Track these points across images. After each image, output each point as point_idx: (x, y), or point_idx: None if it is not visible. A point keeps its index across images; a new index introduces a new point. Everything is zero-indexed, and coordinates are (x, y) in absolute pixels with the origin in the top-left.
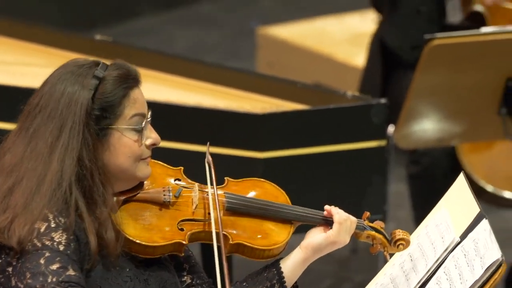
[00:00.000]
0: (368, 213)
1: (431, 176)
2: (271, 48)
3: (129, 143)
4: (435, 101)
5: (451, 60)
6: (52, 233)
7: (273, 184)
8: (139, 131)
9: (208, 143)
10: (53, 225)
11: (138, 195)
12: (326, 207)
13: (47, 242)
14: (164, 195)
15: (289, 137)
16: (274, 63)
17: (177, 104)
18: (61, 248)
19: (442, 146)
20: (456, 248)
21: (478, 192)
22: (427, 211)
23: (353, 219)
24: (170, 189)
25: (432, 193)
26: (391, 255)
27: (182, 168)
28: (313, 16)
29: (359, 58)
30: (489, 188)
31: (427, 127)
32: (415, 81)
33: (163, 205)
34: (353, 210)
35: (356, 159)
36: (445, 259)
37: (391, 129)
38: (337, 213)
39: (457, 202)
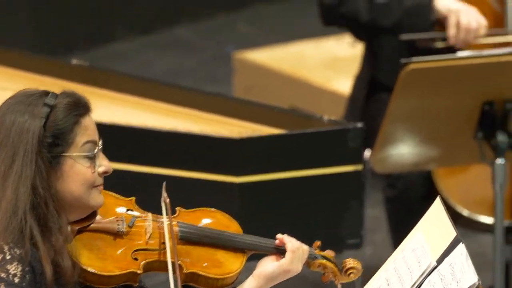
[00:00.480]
0: (319, 242)
1: (406, 199)
2: (248, 73)
3: (82, 171)
4: (411, 125)
5: (427, 85)
6: (7, 265)
7: (224, 214)
8: (92, 158)
9: (164, 183)
10: (8, 257)
11: (92, 225)
12: (279, 236)
13: (2, 275)
14: (118, 224)
15: (265, 161)
16: (250, 87)
17: (153, 128)
18: (16, 280)
19: (418, 170)
20: (433, 273)
21: (455, 216)
22: (403, 235)
23: (305, 247)
24: (124, 219)
25: (408, 217)
26: (346, 283)
27: (134, 198)
28: (289, 40)
29: (335, 82)
30: (465, 212)
31: (403, 151)
32: (391, 105)
33: (117, 234)
34: (330, 235)
35: (333, 183)
36: (422, 284)
37: (367, 153)
38: (290, 242)
39: (434, 226)
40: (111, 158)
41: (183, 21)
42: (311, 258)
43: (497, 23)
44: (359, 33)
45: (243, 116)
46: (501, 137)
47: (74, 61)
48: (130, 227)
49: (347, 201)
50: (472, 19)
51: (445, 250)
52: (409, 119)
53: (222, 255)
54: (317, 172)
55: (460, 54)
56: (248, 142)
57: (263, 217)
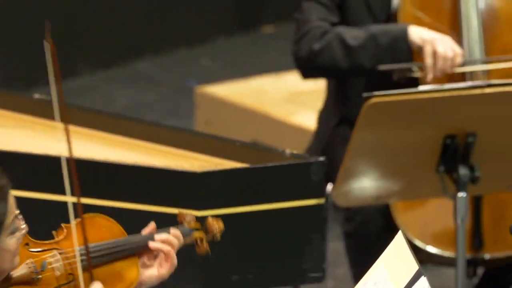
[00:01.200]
0: (184, 212)
1: (365, 234)
2: (209, 107)
3: (13, 248)
4: (373, 159)
5: (389, 118)
6: None
7: (103, 216)
8: (17, 230)
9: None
10: None
11: (12, 282)
12: (151, 244)
13: None
14: (31, 272)
15: (227, 195)
16: (212, 121)
17: (115, 162)
18: None
19: (378, 204)
20: None
21: (416, 250)
22: (363, 269)
23: (176, 236)
24: (35, 265)
25: (367, 250)
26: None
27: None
28: (251, 75)
29: (297, 116)
30: (425, 246)
31: (365, 185)
32: (354, 139)
33: (33, 282)
34: (292, 268)
35: (295, 217)
36: None
37: (329, 187)
38: (163, 246)
39: (396, 259)
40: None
41: (145, 55)
42: (186, 235)
43: None
44: (341, 79)
45: (205, 150)
46: (463, 171)
47: (36, 96)
48: (43, 271)
49: (309, 234)
50: (448, 47)
51: (407, 284)
52: (371, 152)
53: (120, 265)
54: (279, 206)
55: (422, 88)
56: (210, 176)
57: (224, 250)
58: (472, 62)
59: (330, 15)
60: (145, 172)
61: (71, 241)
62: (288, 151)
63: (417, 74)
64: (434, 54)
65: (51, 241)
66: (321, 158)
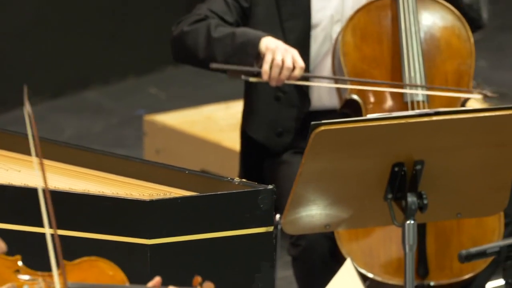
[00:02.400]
0: (199, 278)
1: (311, 258)
2: (158, 136)
3: None
4: (322, 186)
5: (337, 146)
6: None
7: (107, 261)
8: None
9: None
10: None
11: None
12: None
13: None
14: None
15: (177, 223)
16: (161, 150)
17: (64, 191)
18: None
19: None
20: None
21: (363, 277)
22: None
23: None
24: (15, 286)
25: (314, 275)
26: None
27: (19, 256)
28: (200, 103)
29: None
30: (370, 274)
31: (314, 212)
32: (302, 167)
33: None
34: None
35: (244, 245)
36: None
37: (278, 215)
38: None
39: (344, 287)
40: (26, 222)
41: (93, 84)
42: None
43: (394, 76)
44: (201, 68)
45: (154, 178)
46: (411, 199)
47: None
48: None
49: (259, 262)
50: (288, 58)
51: None
52: (319, 180)
53: None
54: (229, 234)
55: (370, 116)
56: (159, 205)
57: (174, 279)
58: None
59: (225, 13)
60: (94, 201)
61: (63, 276)
62: (237, 179)
63: (252, 79)
64: (272, 61)
65: (45, 272)
66: (270, 186)
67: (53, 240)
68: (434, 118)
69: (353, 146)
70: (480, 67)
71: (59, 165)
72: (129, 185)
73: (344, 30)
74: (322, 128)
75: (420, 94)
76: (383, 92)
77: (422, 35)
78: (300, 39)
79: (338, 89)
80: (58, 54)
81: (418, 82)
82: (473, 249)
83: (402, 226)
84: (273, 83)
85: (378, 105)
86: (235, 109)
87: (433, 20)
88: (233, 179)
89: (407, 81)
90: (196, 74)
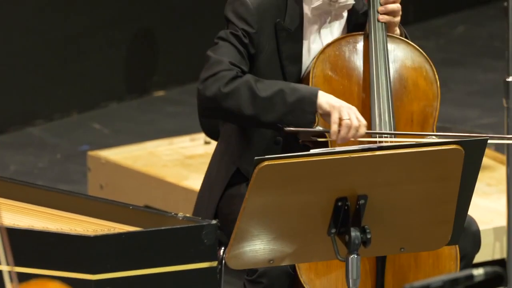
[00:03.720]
0: None
1: None
2: (102, 171)
3: None
4: (265, 221)
5: (281, 181)
6: None
7: (57, 282)
8: None
9: None
10: None
11: None
12: None
13: None
14: None
15: (121, 259)
16: (105, 185)
17: (8, 227)
18: None
19: (281, 266)
20: None
21: None
22: None
23: None
24: None
25: None
26: None
27: None
28: (143, 139)
29: (188, 180)
30: None
31: (258, 247)
32: (246, 201)
33: None
34: None
35: (188, 280)
36: None
37: (222, 249)
38: None
39: None
40: None
41: (37, 120)
42: None
43: (363, 111)
44: (239, 126)
45: (98, 214)
46: (354, 233)
47: None
48: None
49: None
50: (353, 117)
51: None
52: (263, 215)
53: None
54: (173, 269)
55: (313, 151)
56: (103, 240)
57: None
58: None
59: (242, 63)
60: (39, 237)
61: None
62: (180, 214)
63: (320, 139)
64: (340, 121)
65: None
66: (214, 221)
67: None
68: (377, 153)
69: (296, 181)
70: None
71: (3, 201)
72: (73, 220)
73: (314, 62)
74: (266, 163)
75: (387, 134)
76: None
77: (391, 73)
78: (297, 83)
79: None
80: (2, 90)
81: (386, 119)
82: (417, 283)
83: (346, 260)
84: (340, 142)
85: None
86: (178, 144)
87: (403, 60)
88: (176, 214)
89: (375, 118)
90: (139, 110)
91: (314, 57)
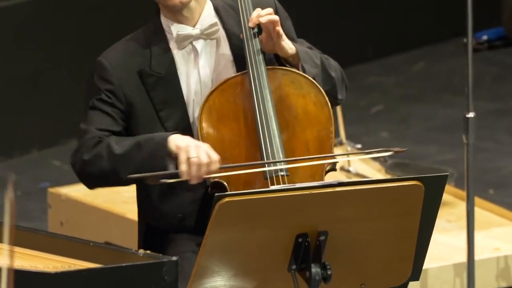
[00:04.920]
0: None
1: None
2: (63, 208)
3: None
4: (226, 258)
5: (241, 217)
6: None
7: None
8: None
9: None
10: None
11: None
12: None
13: None
14: None
15: None
16: (65, 222)
17: None
18: None
19: None
20: None
21: None
22: None
23: None
24: None
25: None
26: None
27: None
28: None
29: None
30: None
31: (218, 284)
32: (206, 238)
33: None
34: None
35: None
36: None
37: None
38: None
39: None
40: None
41: None
42: None
43: (255, 153)
44: (121, 185)
45: (59, 251)
46: (315, 269)
47: None
48: None
49: None
50: (202, 154)
51: None
52: (224, 251)
53: None
54: None
55: (273, 187)
56: (64, 277)
57: None
58: (273, 163)
59: (111, 125)
60: None
61: None
62: (141, 251)
63: (171, 180)
64: (188, 160)
65: None
66: (174, 258)
67: None
68: (338, 189)
69: (257, 217)
70: (383, 139)
71: None
72: (34, 257)
73: (200, 113)
74: (226, 199)
75: (279, 169)
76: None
77: (277, 106)
78: (180, 126)
79: None
80: None
81: (277, 156)
82: None
83: None
84: (194, 181)
85: (242, 184)
86: None
87: (287, 90)
88: (137, 251)
89: (265, 157)
90: None
91: (200, 107)
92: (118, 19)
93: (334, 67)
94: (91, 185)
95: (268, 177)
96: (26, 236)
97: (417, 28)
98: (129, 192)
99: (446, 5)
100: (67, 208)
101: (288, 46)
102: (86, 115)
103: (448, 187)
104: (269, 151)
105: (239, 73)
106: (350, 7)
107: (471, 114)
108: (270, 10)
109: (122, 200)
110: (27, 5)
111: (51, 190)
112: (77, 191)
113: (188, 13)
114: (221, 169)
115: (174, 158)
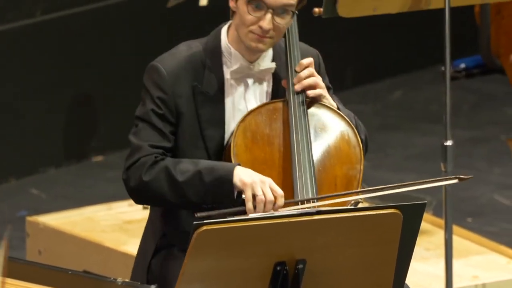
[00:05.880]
0: None
1: None
2: (41, 236)
3: None
4: (205, 286)
5: (220, 245)
6: None
7: None
8: None
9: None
10: None
11: None
12: None
13: None
14: None
15: None
16: (44, 251)
17: None
18: None
19: None
20: None
21: None
22: None
23: None
24: None
25: None
26: None
27: None
28: (82, 204)
29: (127, 245)
30: None
31: None
32: (184, 267)
33: None
34: None
35: None
36: None
37: None
38: None
39: None
40: None
41: None
42: None
43: (285, 177)
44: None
45: (37, 279)
46: None
47: None
48: None
49: None
50: (267, 190)
51: None
52: (202, 280)
53: None
54: None
55: (252, 215)
56: None
57: None
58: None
59: (163, 141)
60: None
61: None
62: (119, 279)
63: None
64: (254, 198)
65: None
66: (152, 286)
67: None
68: (316, 217)
69: (235, 245)
70: None
71: None
72: (12, 286)
73: (235, 131)
74: (205, 227)
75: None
76: None
77: (312, 138)
78: (219, 147)
79: None
80: None
81: (309, 184)
82: None
83: None
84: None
85: None
86: (117, 209)
87: (324, 125)
88: (116, 279)
89: (297, 184)
90: (78, 175)
91: (236, 125)
92: (96, 49)
93: (363, 130)
94: (141, 202)
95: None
96: (4, 264)
97: (395, 56)
98: (107, 221)
99: (424, 33)
100: (46, 237)
101: (329, 102)
102: (136, 127)
103: (426, 215)
104: (303, 180)
105: (279, 99)
106: (328, 35)
107: (449, 142)
108: (312, 70)
109: (100, 229)
110: (2, 34)
111: (29, 218)
112: (56, 219)
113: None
114: (286, 204)
115: (237, 191)
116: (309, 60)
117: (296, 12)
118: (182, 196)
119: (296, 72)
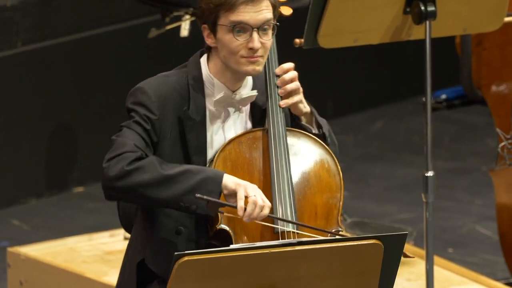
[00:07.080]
0: None
1: None
2: (22, 267)
3: None
4: None
5: (201, 276)
6: None
7: None
8: None
9: None
10: None
11: None
12: None
13: None
14: None
15: None
16: (25, 281)
17: None
18: None
19: None
20: None
21: None
22: None
23: None
24: None
25: None
26: None
27: None
28: (63, 235)
29: (108, 276)
30: None
31: None
32: None
33: None
34: None
35: None
36: None
37: None
38: None
39: None
40: None
41: None
42: None
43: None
44: (143, 205)
45: None
46: None
47: None
48: None
49: None
50: (259, 196)
51: None
52: None
53: None
54: None
55: (233, 246)
56: None
57: None
58: (285, 224)
59: (146, 149)
60: None
61: None
62: None
63: (226, 214)
64: (246, 198)
65: None
66: None
67: None
68: (297, 248)
69: (216, 276)
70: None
71: None
72: None
73: (215, 160)
74: (186, 258)
75: (290, 225)
76: (253, 222)
77: (292, 167)
78: None
79: (211, 219)
80: None
81: (289, 213)
82: None
83: None
84: (247, 220)
85: (248, 236)
86: (98, 240)
87: (303, 154)
88: None
89: (278, 213)
90: (59, 206)
91: (215, 154)
92: (77, 80)
93: (334, 142)
94: (117, 195)
95: (279, 231)
96: None
97: (376, 87)
98: (88, 252)
99: (405, 64)
100: (27, 268)
101: (303, 104)
102: (120, 131)
103: (408, 246)
104: (283, 210)
105: (258, 128)
106: (309, 66)
107: (430, 173)
108: (291, 65)
109: (81, 260)
110: None
111: (10, 249)
112: (37, 250)
113: (241, 79)
114: (269, 218)
115: (220, 195)
116: (290, 64)
117: (277, 23)
118: (163, 189)
119: (277, 76)
